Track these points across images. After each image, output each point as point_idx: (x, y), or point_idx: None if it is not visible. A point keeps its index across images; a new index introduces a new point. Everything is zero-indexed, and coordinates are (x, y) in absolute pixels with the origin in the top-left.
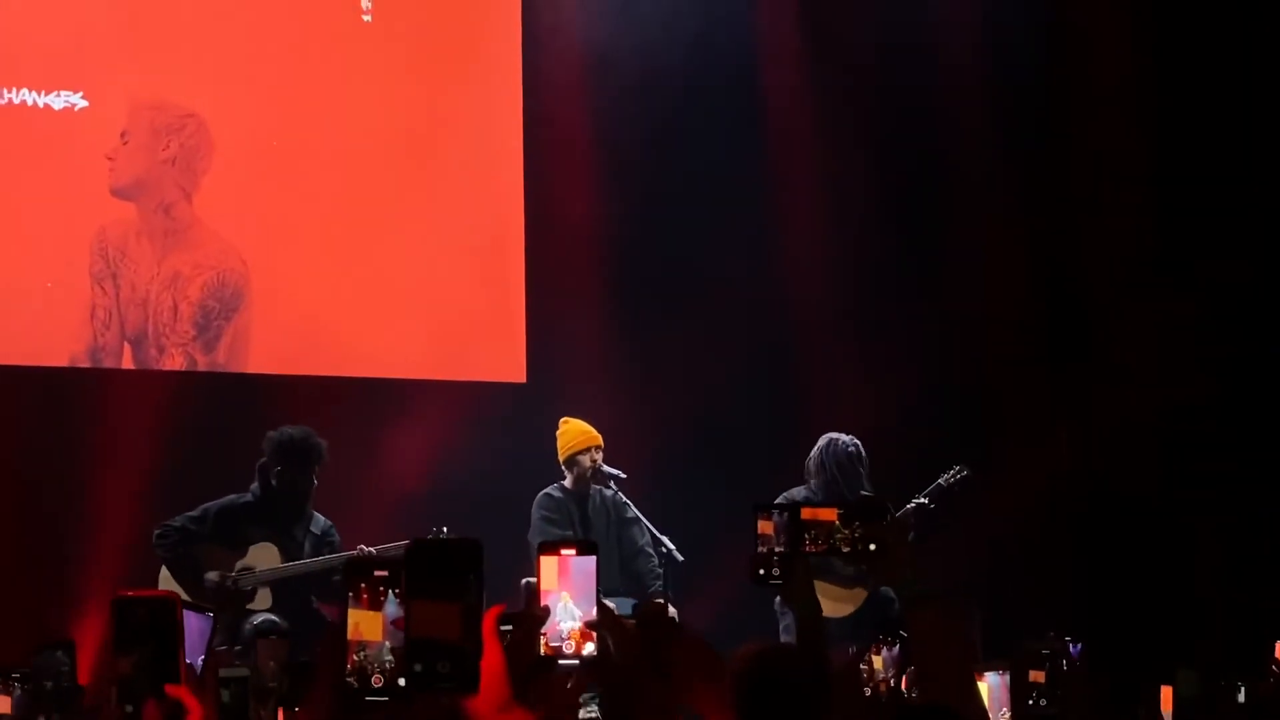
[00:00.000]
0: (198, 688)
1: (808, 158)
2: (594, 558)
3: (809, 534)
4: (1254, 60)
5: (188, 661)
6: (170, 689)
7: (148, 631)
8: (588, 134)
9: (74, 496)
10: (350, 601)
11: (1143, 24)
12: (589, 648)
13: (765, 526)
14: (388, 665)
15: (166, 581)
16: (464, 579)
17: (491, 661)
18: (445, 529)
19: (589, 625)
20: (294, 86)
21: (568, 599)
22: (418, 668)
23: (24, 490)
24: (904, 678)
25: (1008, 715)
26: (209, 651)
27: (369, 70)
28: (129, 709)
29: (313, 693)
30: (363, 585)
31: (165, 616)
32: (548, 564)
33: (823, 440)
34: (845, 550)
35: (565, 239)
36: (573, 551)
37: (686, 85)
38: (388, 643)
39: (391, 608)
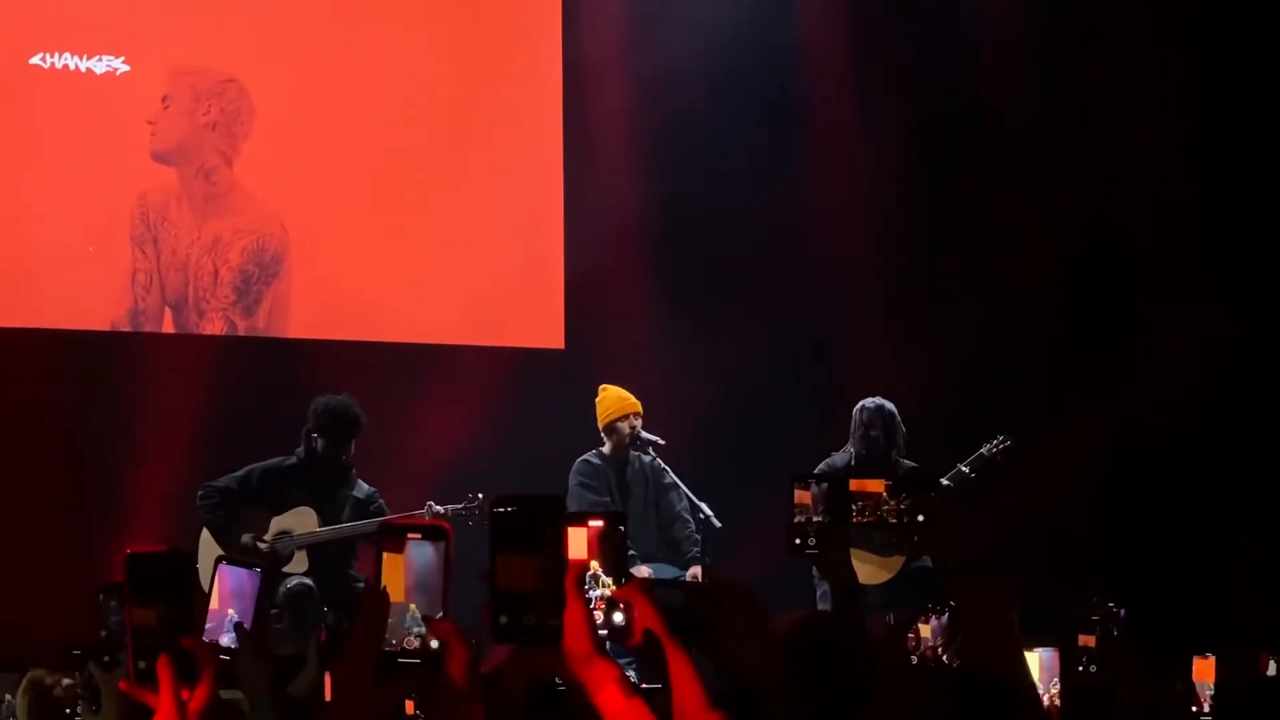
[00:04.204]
0: (251, 648)
1: (845, 130)
2: (622, 528)
3: (857, 505)
4: None
5: (237, 620)
6: (186, 641)
7: (162, 586)
8: (627, 101)
9: (115, 459)
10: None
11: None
12: (618, 617)
13: (802, 496)
14: (412, 630)
15: (207, 542)
16: (545, 533)
17: (575, 615)
18: (480, 496)
19: (618, 595)
20: (334, 52)
21: (596, 568)
22: (503, 619)
23: (66, 453)
24: (951, 647)
25: (1058, 687)
26: (259, 611)
27: (410, 35)
28: (142, 664)
29: (347, 656)
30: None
31: (179, 570)
32: (575, 535)
33: (859, 404)
34: (893, 522)
35: (603, 205)
36: (600, 522)
37: (725, 57)
38: (411, 604)
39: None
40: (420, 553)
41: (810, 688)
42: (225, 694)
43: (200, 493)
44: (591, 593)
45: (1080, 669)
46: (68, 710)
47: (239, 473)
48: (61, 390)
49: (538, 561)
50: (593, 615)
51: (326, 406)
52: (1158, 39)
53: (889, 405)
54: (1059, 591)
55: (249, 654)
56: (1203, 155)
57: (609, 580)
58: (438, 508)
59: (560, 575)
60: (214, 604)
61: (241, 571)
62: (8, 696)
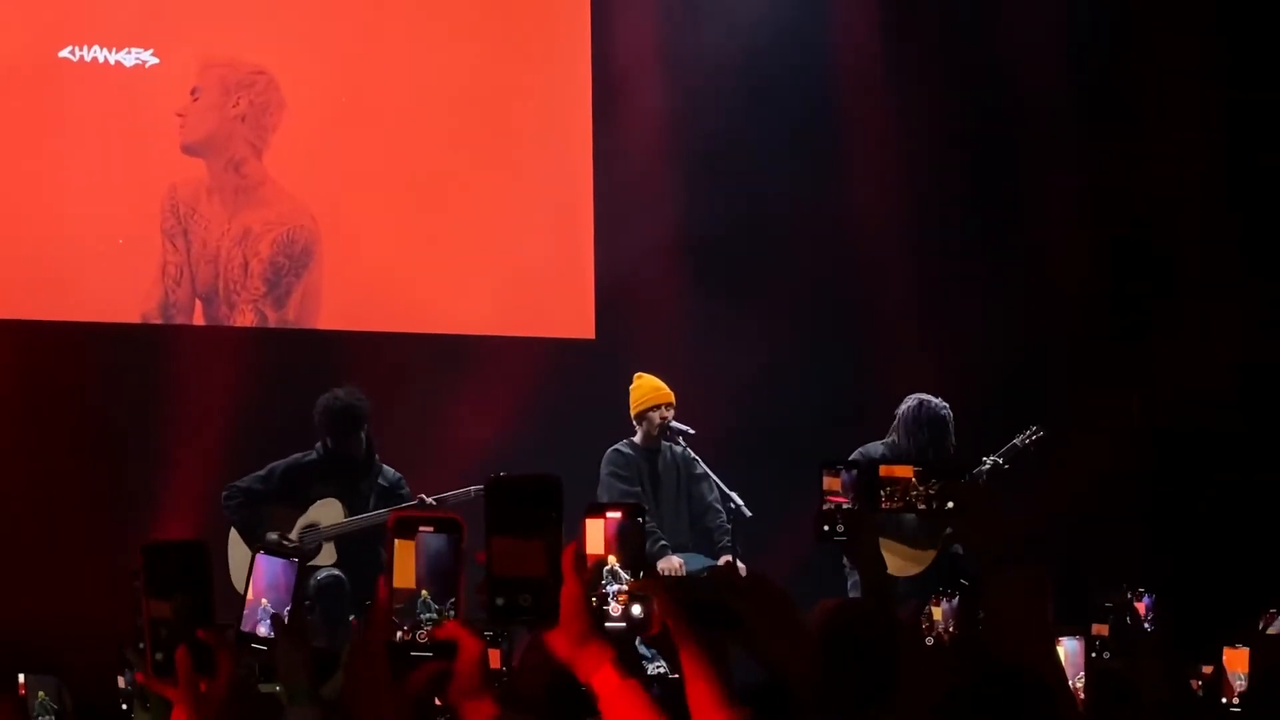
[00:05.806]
0: (288, 638)
1: (878, 123)
2: (640, 521)
3: (885, 490)
4: None
5: (274, 611)
6: (202, 633)
7: (178, 578)
8: (659, 92)
9: (147, 453)
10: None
11: None
12: (636, 609)
13: (831, 483)
14: (421, 617)
15: (236, 542)
16: (543, 515)
17: (570, 595)
18: (428, 498)
19: (636, 589)
20: (364, 43)
21: (613, 562)
22: (500, 601)
23: (99, 446)
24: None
25: (1084, 679)
26: (295, 601)
27: (439, 26)
28: (159, 656)
29: (360, 650)
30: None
31: (196, 561)
32: (593, 527)
33: (913, 400)
34: (921, 508)
35: (635, 195)
36: (619, 514)
37: (756, 50)
38: (424, 590)
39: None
40: (433, 542)
41: (841, 679)
42: (264, 687)
43: (224, 493)
44: (609, 587)
45: (1094, 656)
46: (124, 705)
47: (260, 471)
48: (93, 383)
49: (533, 542)
50: (589, 598)
51: (326, 409)
52: (1193, 29)
53: (944, 409)
54: (1093, 582)
55: (286, 644)
56: (1239, 143)
57: (626, 575)
58: (430, 499)
59: (556, 555)
60: (249, 595)
61: (278, 562)
62: (40, 694)
